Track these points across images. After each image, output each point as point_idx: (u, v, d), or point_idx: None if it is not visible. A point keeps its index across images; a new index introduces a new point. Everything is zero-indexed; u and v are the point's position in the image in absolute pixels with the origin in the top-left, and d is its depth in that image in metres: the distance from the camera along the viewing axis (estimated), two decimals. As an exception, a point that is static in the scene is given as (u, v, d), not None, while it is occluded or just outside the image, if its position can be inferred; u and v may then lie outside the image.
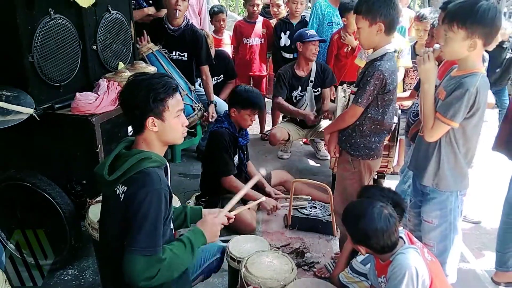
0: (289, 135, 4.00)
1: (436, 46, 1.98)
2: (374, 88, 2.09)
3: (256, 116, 3.33)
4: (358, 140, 2.24)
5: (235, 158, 3.15)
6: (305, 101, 3.98)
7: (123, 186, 1.56)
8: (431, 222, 2.06)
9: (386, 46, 2.13)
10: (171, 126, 1.65)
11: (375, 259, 1.95)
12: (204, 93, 3.88)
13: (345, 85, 3.21)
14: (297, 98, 4.02)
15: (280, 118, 4.41)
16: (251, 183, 2.24)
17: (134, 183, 1.53)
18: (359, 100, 2.13)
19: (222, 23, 4.63)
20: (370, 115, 2.18)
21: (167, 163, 1.70)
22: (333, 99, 4.03)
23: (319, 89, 4.04)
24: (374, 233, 1.76)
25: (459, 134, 1.91)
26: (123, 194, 1.55)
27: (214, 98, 3.89)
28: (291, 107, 3.95)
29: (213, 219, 1.79)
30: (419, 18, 3.54)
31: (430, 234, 2.09)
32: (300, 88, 3.99)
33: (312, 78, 4.00)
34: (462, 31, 1.79)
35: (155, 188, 1.53)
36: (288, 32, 4.39)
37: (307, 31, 3.89)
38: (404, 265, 1.73)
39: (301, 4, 4.40)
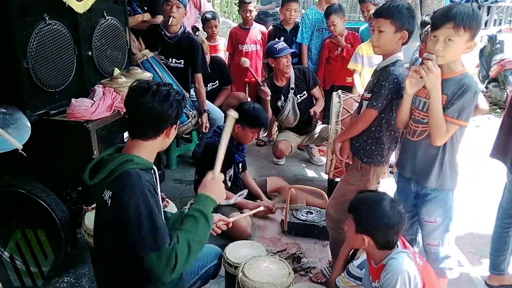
0: (291, 146, 4.07)
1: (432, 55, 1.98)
2: (389, 92, 2.13)
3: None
4: (374, 147, 2.26)
5: (229, 172, 3.12)
6: (286, 108, 3.97)
7: (109, 191, 1.55)
8: (434, 221, 2.07)
9: (398, 54, 2.19)
10: (173, 135, 1.73)
11: (369, 264, 1.95)
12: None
13: (340, 91, 3.24)
14: (282, 106, 4.03)
15: (275, 127, 4.43)
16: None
17: (117, 186, 1.53)
18: (374, 104, 2.15)
19: (214, 29, 4.64)
20: (385, 120, 2.21)
21: (155, 168, 1.66)
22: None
23: (305, 93, 4.05)
24: (385, 225, 1.75)
25: (460, 133, 1.97)
26: (110, 200, 1.55)
27: (207, 105, 3.86)
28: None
29: (212, 180, 1.71)
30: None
31: (434, 233, 2.09)
32: (282, 98, 4.01)
33: (292, 85, 4.00)
34: (467, 34, 1.82)
35: (135, 185, 1.50)
36: (282, 38, 4.40)
37: (275, 46, 3.89)
38: (397, 270, 1.73)
39: (295, 11, 4.46)
